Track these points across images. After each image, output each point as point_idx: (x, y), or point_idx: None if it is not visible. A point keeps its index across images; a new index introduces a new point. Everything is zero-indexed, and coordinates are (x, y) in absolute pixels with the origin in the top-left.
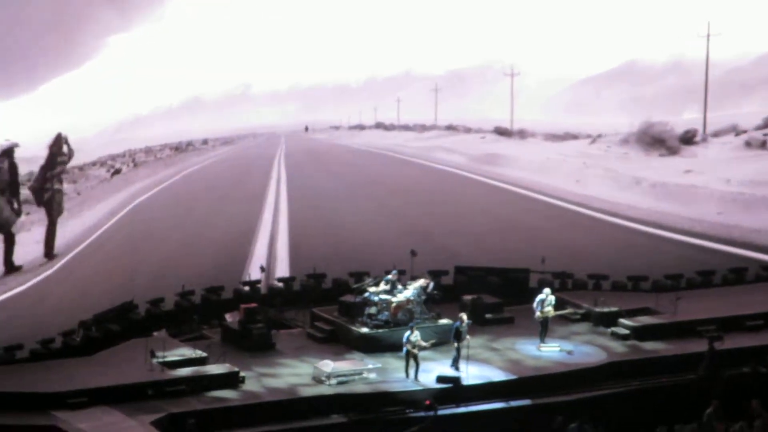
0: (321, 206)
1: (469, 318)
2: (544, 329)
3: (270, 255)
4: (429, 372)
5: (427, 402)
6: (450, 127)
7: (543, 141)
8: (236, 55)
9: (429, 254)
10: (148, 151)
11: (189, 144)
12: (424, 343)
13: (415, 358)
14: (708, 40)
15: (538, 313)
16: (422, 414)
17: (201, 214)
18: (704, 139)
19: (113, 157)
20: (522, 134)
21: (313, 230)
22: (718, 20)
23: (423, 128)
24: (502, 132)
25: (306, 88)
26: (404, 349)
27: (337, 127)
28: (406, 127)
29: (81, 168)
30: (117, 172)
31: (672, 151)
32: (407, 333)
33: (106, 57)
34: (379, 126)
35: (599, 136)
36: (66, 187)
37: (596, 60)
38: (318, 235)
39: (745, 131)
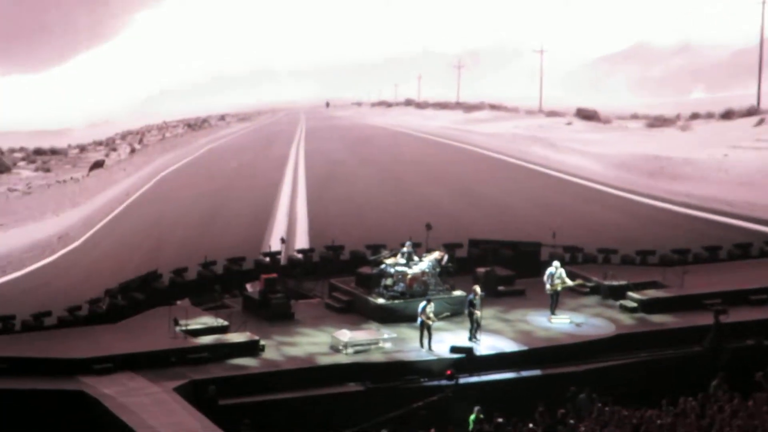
0: (337, 177)
1: (482, 290)
2: (554, 302)
3: (289, 227)
4: (442, 342)
5: (448, 372)
6: (494, 107)
7: (644, 128)
8: (259, 32)
9: (444, 228)
10: (162, 127)
11: (204, 120)
12: (435, 318)
13: (429, 329)
14: (763, 8)
15: (548, 286)
16: (437, 383)
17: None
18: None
19: (124, 135)
20: (605, 119)
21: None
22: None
23: (467, 107)
24: (587, 116)
25: (326, 65)
26: (419, 320)
27: (359, 104)
28: (441, 105)
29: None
30: (98, 165)
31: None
32: (422, 304)
33: (134, 33)
34: (409, 103)
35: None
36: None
37: (606, 41)
38: (337, 209)
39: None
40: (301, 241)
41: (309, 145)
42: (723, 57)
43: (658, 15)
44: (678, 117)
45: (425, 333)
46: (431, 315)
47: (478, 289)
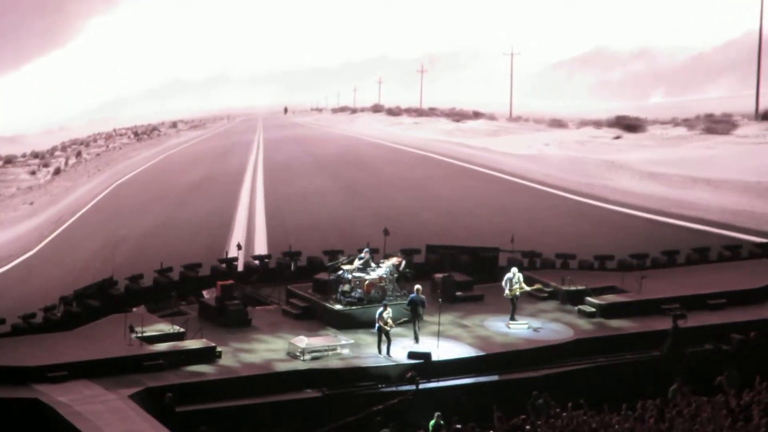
0: (295, 183)
1: (439, 296)
2: (513, 307)
3: (248, 234)
4: (403, 348)
5: (409, 374)
6: (478, 114)
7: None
8: (215, 37)
9: (402, 234)
10: (110, 136)
11: (154, 129)
12: (392, 324)
13: (387, 334)
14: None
15: (507, 292)
16: (395, 388)
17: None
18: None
19: (65, 146)
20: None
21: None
22: (683, 9)
23: (455, 116)
24: (629, 126)
25: (282, 70)
26: (377, 325)
27: (319, 109)
28: (418, 112)
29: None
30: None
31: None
32: (380, 310)
33: (88, 38)
34: (377, 109)
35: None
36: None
37: (565, 45)
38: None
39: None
40: (260, 248)
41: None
42: (681, 61)
43: (617, 20)
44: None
45: (383, 338)
46: (389, 320)
47: (419, 287)
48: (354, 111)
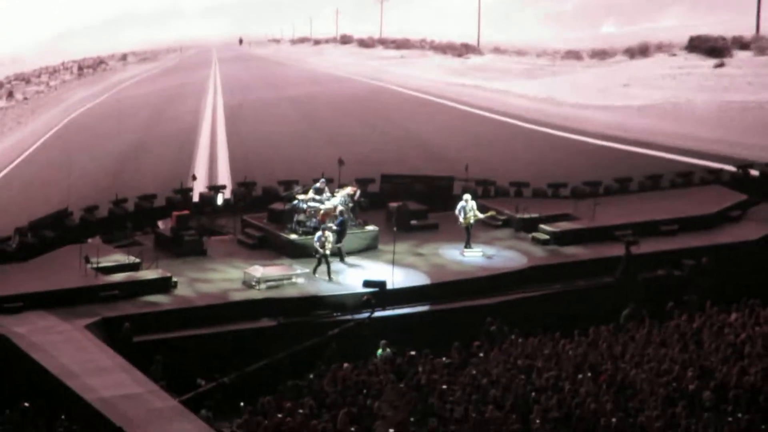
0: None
1: (394, 225)
2: (467, 235)
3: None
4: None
5: (365, 297)
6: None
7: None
8: None
9: (356, 163)
10: (54, 71)
11: (101, 62)
12: (329, 247)
13: (326, 258)
14: None
15: (461, 220)
16: (350, 316)
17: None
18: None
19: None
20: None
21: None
22: None
23: (447, 48)
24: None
25: (235, 2)
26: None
27: (277, 41)
28: (396, 44)
29: None
30: None
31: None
32: (318, 234)
33: None
34: (346, 41)
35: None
36: None
37: None
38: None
39: None
40: (224, 179)
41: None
42: None
43: None
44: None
45: (322, 262)
46: (327, 244)
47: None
48: (317, 42)
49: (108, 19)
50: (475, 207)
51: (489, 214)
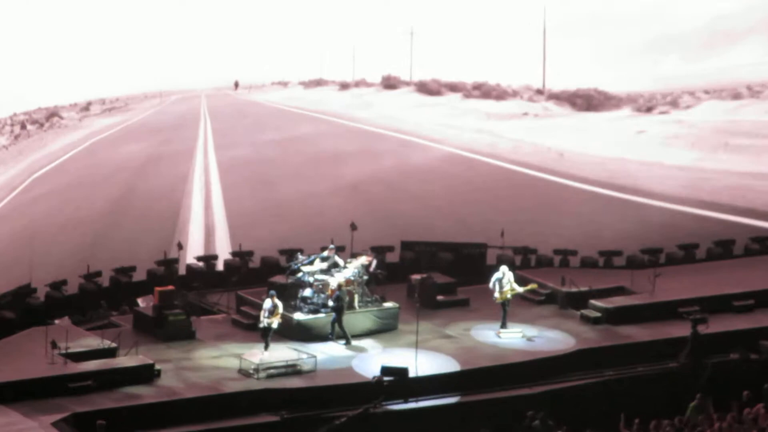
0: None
1: (417, 301)
2: (504, 312)
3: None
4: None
5: (375, 378)
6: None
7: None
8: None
9: (373, 228)
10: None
11: (53, 115)
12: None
13: (268, 333)
14: None
15: (496, 294)
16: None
17: None
18: None
19: None
20: None
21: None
22: None
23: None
24: None
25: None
26: (262, 321)
27: (284, 83)
28: (482, 91)
29: None
30: None
31: None
32: (265, 303)
33: None
34: (390, 85)
35: None
36: None
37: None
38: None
39: None
40: (222, 248)
41: None
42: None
43: None
44: None
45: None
46: (276, 311)
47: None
48: (345, 86)
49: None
50: (512, 279)
51: (530, 287)
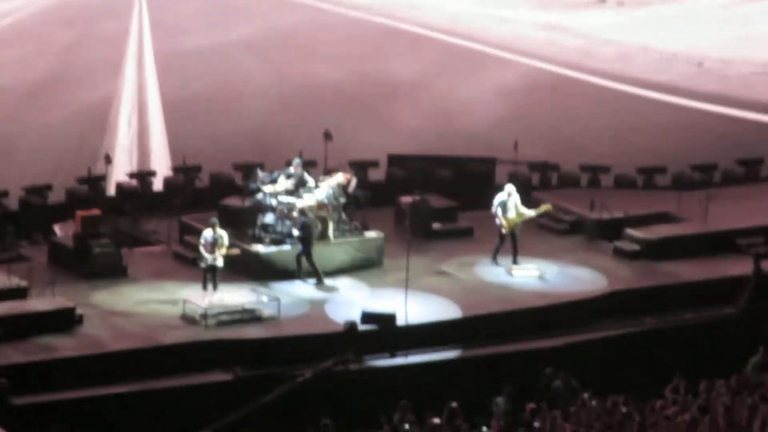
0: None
1: (408, 229)
2: (514, 244)
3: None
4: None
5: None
6: None
7: None
8: None
9: (351, 138)
10: None
11: None
12: (234, 250)
13: (214, 272)
14: None
15: (500, 220)
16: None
17: None
18: None
19: None
20: None
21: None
22: None
23: None
24: None
25: None
26: (203, 257)
27: None
28: None
29: None
30: None
31: None
32: (205, 232)
33: None
34: None
35: None
36: None
37: None
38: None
39: None
40: (161, 162)
41: None
42: None
43: None
44: None
45: (209, 277)
46: (222, 245)
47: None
48: None
49: None
50: (518, 202)
51: (543, 209)
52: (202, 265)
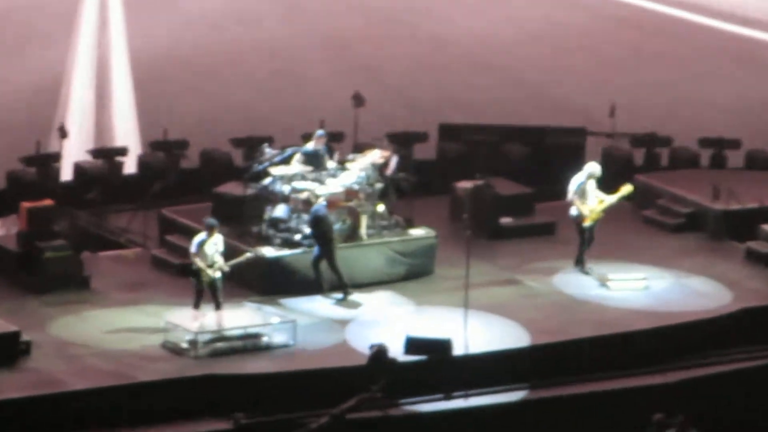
0: None
1: (466, 225)
2: (582, 241)
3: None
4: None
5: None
6: None
7: None
8: None
9: (391, 102)
10: None
11: None
12: (223, 265)
13: (213, 285)
14: None
15: (582, 211)
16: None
17: None
18: None
19: None
20: None
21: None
22: None
23: None
24: None
25: None
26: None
27: None
28: None
29: None
30: None
31: None
32: (198, 237)
33: None
34: None
35: None
36: None
37: None
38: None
39: None
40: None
41: None
42: None
43: None
44: None
45: (204, 293)
46: (215, 257)
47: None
48: None
49: None
50: (594, 186)
51: (624, 192)
52: (198, 286)
